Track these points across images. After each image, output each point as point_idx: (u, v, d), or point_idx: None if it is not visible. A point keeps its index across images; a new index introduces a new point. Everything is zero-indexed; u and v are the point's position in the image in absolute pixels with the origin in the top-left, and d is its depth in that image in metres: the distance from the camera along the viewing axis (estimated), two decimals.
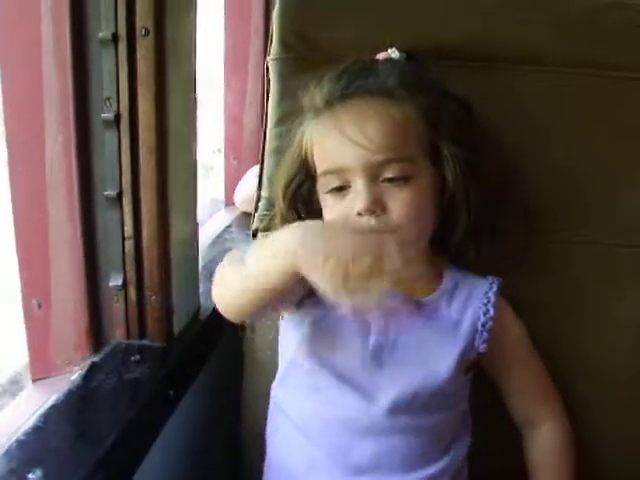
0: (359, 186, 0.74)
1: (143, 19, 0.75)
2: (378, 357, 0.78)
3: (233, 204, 1.46)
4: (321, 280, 0.63)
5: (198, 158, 0.92)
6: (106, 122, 0.78)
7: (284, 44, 0.90)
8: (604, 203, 0.90)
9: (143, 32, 0.75)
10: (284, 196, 0.82)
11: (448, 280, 0.83)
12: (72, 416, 0.73)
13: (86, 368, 0.79)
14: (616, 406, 0.92)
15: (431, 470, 0.78)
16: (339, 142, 0.75)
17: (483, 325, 0.80)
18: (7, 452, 0.64)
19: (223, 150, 1.55)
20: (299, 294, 0.76)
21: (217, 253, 1.09)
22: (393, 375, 0.78)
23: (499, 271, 0.85)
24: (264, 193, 0.94)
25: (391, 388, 0.77)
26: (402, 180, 0.75)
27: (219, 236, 1.21)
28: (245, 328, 0.95)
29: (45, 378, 0.82)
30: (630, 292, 0.90)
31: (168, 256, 0.83)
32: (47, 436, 0.68)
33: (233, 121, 1.53)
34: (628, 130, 0.89)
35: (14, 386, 1.16)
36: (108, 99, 0.77)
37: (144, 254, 0.82)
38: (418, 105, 0.77)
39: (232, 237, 1.20)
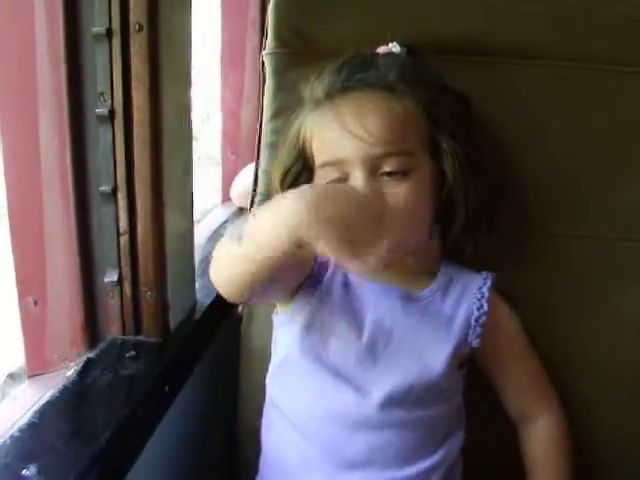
0: (358, 179, 0.74)
1: (137, 14, 0.75)
2: (372, 352, 0.78)
3: (230, 199, 1.46)
4: (327, 245, 0.61)
5: None
6: (100, 117, 0.78)
7: (279, 39, 0.90)
8: (603, 197, 0.90)
9: (137, 27, 0.75)
10: (281, 187, 0.82)
11: (443, 275, 0.83)
12: (67, 412, 0.73)
13: (81, 364, 0.79)
14: (618, 405, 0.91)
15: (424, 465, 0.78)
16: (339, 134, 0.75)
17: (477, 320, 0.80)
18: (2, 448, 0.64)
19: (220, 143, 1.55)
20: (295, 276, 0.77)
21: (213, 249, 1.09)
22: (387, 369, 0.78)
23: (496, 265, 0.85)
24: (260, 188, 0.94)
25: (385, 382, 0.77)
26: (401, 174, 0.75)
27: (216, 232, 1.21)
28: (242, 320, 0.95)
29: (41, 374, 0.82)
30: (632, 287, 0.90)
31: (163, 252, 0.83)
32: (42, 432, 0.68)
33: (231, 116, 1.53)
34: (626, 124, 0.89)
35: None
36: (102, 94, 0.77)
37: (139, 250, 0.81)
38: (418, 99, 0.77)
39: None
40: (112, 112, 0.77)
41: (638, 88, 0.87)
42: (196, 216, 1.00)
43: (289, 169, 0.82)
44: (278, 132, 0.90)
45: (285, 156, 0.82)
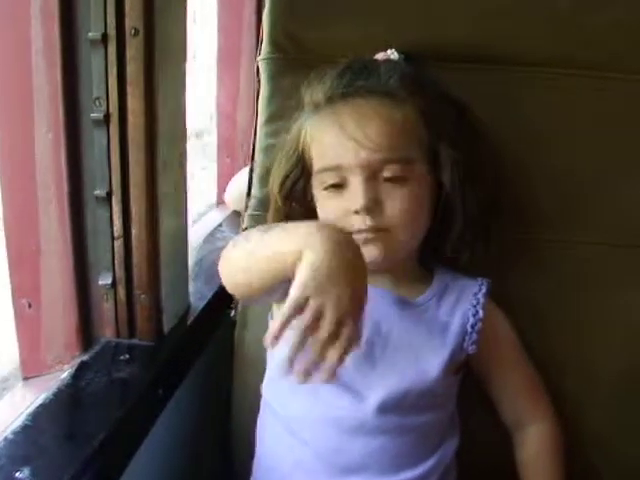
0: (357, 185, 0.75)
1: (132, 19, 0.75)
2: (370, 356, 0.78)
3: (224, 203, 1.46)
4: (298, 291, 0.63)
5: None
6: (95, 122, 0.78)
7: (274, 44, 0.91)
8: (599, 203, 0.90)
9: (132, 32, 0.75)
10: (280, 192, 0.83)
11: (438, 282, 0.83)
12: (61, 415, 0.73)
13: (75, 367, 0.79)
14: (612, 410, 0.92)
15: (419, 470, 0.78)
16: (339, 139, 0.75)
17: (472, 326, 0.80)
18: None
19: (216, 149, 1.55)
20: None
21: (207, 252, 1.09)
22: (383, 375, 0.78)
23: (492, 271, 0.85)
24: (254, 192, 0.94)
25: (381, 387, 0.77)
26: (400, 181, 0.75)
27: (210, 235, 1.21)
28: (235, 323, 0.95)
29: (35, 377, 0.82)
30: (624, 292, 0.90)
31: (157, 255, 0.83)
32: (36, 435, 0.68)
33: (226, 119, 1.53)
34: (620, 132, 0.89)
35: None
36: (98, 99, 0.77)
37: (133, 253, 0.82)
38: (418, 107, 0.77)
39: (223, 236, 1.20)
40: (107, 116, 0.77)
41: (635, 94, 0.88)
42: (194, 217, 1.00)
43: (288, 175, 0.82)
44: (273, 136, 0.91)
45: (284, 161, 0.83)
